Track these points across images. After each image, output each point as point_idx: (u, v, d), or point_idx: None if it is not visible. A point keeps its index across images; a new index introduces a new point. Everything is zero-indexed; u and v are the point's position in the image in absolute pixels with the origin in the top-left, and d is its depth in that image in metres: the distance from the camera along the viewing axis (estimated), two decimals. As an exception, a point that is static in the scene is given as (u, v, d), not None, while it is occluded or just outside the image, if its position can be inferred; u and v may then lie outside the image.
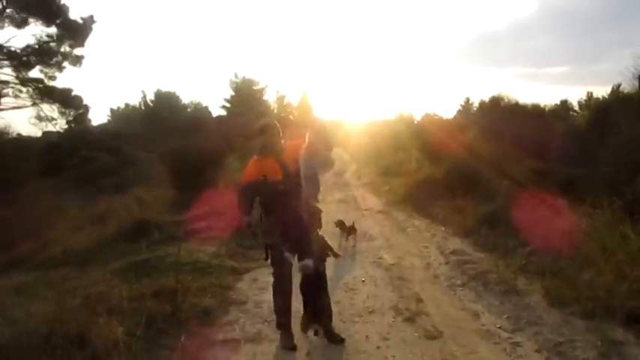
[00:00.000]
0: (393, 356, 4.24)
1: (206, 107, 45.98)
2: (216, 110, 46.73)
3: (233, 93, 46.24)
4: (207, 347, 4.50)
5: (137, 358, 4.04)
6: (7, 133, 23.75)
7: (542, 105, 21.12)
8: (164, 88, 42.89)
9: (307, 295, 4.56)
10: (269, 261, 4.54)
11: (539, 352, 4.28)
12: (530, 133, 15.10)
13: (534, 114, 18.85)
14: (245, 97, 44.15)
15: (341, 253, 7.24)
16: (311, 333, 4.57)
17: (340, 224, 8.13)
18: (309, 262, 4.34)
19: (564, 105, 31.72)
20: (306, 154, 4.42)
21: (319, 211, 4.63)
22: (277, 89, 49.92)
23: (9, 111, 29.09)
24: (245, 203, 4.42)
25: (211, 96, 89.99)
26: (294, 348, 4.42)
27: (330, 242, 4.80)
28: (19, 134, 26.56)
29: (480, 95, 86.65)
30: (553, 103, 25.62)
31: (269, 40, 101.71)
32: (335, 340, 4.48)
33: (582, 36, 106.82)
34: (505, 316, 5.12)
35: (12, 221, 12.40)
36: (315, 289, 4.53)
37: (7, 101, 28.91)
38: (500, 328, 4.84)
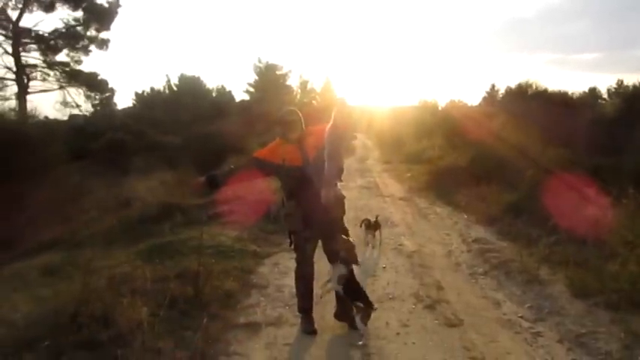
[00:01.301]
0: (413, 343, 4.25)
1: (229, 92, 46.06)
2: (240, 95, 46.91)
3: (257, 78, 46.28)
4: (228, 330, 4.56)
5: (160, 339, 4.11)
6: (35, 116, 24.18)
7: (569, 93, 20.76)
8: (188, 73, 43.16)
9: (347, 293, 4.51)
10: (292, 246, 4.58)
11: (561, 343, 4.24)
12: (556, 121, 14.84)
13: (561, 101, 18.52)
14: (268, 82, 44.19)
15: (367, 248, 7.25)
16: (332, 318, 4.61)
17: (366, 224, 7.63)
18: (342, 269, 4.35)
19: (593, 93, 31.14)
20: (331, 133, 4.30)
21: (342, 197, 4.61)
22: (300, 74, 49.63)
23: (36, 94, 29.73)
24: (237, 170, 4.58)
25: (235, 80, 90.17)
26: (314, 332, 4.45)
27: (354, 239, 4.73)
28: (46, 117, 27.05)
29: (507, 82, 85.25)
30: (581, 91, 25.11)
31: (292, 25, 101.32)
32: (355, 325, 4.49)
33: (615, 21, 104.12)
34: (527, 306, 5.08)
35: (39, 203, 12.64)
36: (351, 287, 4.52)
37: (35, 84, 29.57)
38: (521, 317, 4.81)
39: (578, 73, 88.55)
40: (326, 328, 4.54)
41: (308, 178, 4.31)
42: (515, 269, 6.18)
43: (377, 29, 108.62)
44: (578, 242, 6.49)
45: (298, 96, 46.79)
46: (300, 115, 4.54)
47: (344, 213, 4.63)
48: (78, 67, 30.83)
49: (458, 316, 4.79)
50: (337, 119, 4.32)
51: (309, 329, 4.48)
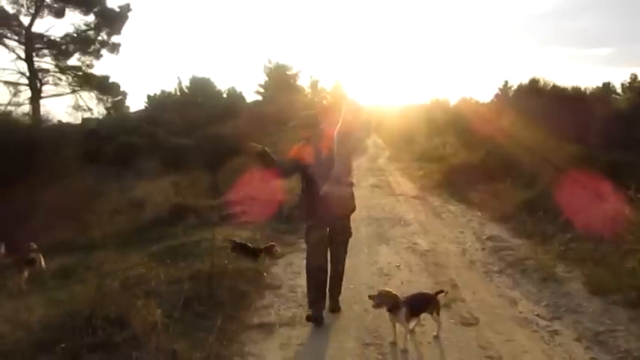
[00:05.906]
0: (429, 342, 4.22)
1: (240, 93, 46.08)
2: (251, 96, 46.91)
3: (267, 78, 46.29)
4: (243, 330, 4.55)
5: (175, 340, 4.10)
6: (49, 120, 24.40)
7: (582, 88, 20.57)
8: (199, 74, 43.26)
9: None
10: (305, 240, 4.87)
11: (579, 341, 4.18)
12: (570, 117, 14.71)
13: (575, 97, 18.35)
14: (279, 83, 44.17)
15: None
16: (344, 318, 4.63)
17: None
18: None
19: (606, 88, 30.80)
20: (340, 133, 4.57)
21: (348, 196, 4.77)
22: (310, 74, 49.72)
23: (49, 99, 29.99)
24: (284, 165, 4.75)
25: (245, 81, 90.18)
26: (320, 321, 4.57)
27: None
28: (59, 121, 27.25)
29: (520, 78, 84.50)
30: (594, 86, 24.86)
31: (302, 25, 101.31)
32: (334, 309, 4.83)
33: (628, 16, 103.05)
34: (543, 304, 5.02)
35: (54, 205, 12.76)
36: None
37: (48, 89, 29.79)
38: (538, 315, 4.75)
39: (592, 67, 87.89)
40: (340, 328, 4.52)
41: (318, 174, 4.57)
42: (530, 267, 6.12)
43: (388, 28, 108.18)
44: (595, 239, 6.41)
45: (309, 96, 46.73)
46: (319, 118, 4.80)
47: (352, 210, 4.86)
48: (90, 71, 31.04)
49: (473, 315, 4.75)
50: (347, 119, 4.47)
51: (314, 316, 4.56)
